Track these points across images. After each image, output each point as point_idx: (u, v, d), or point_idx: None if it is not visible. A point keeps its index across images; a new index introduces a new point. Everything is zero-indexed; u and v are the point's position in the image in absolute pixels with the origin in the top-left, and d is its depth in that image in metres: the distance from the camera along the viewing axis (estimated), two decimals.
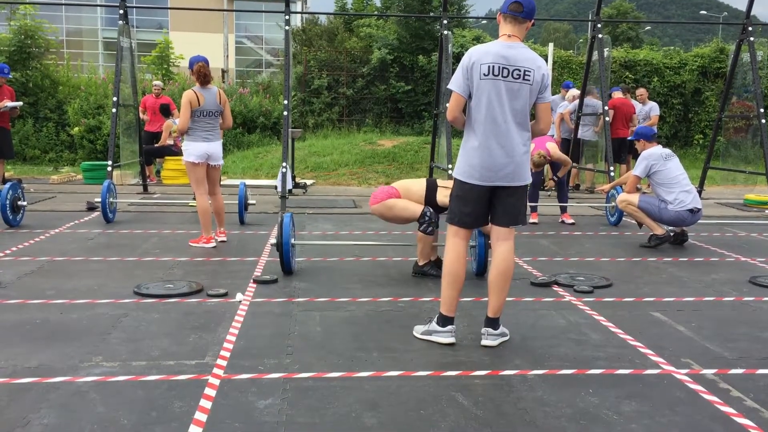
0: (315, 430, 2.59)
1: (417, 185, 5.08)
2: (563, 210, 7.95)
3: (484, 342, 3.55)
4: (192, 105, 5.94)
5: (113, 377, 3.05)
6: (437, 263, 5.08)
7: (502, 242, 3.57)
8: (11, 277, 4.86)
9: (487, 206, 3.58)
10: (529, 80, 3.42)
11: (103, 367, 3.17)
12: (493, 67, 3.39)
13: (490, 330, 3.57)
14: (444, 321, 3.58)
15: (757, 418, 2.73)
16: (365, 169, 12.34)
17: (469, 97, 3.49)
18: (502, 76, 3.40)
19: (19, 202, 7.07)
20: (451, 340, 3.56)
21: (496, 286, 3.55)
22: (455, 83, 3.49)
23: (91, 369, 3.14)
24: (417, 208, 4.93)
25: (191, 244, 6.11)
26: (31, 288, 4.57)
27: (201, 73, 6.02)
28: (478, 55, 3.43)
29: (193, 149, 6.00)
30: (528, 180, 3.57)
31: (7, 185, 7.01)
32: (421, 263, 5.14)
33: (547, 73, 3.52)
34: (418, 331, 3.70)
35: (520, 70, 3.41)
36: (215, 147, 6.12)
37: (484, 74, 3.40)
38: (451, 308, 3.58)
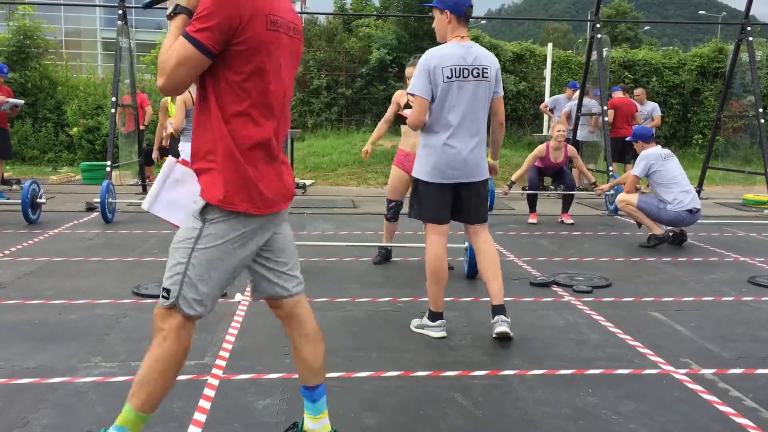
0: None
1: None
2: (564, 210, 7.93)
3: (499, 329, 3.56)
4: (186, 105, 5.93)
5: (112, 377, 3.05)
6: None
7: (479, 234, 3.72)
8: (10, 278, 4.85)
9: (451, 203, 3.68)
10: (487, 77, 3.58)
11: (102, 367, 3.17)
12: (455, 69, 3.52)
13: (503, 317, 3.60)
14: (433, 317, 3.70)
15: (756, 418, 2.73)
16: (364, 170, 12.33)
17: (431, 101, 3.57)
18: (463, 77, 3.53)
19: (38, 200, 7.17)
20: (442, 333, 3.66)
21: (490, 273, 3.66)
22: (420, 89, 3.55)
23: (90, 369, 3.14)
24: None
25: None
26: (30, 288, 4.57)
27: None
28: (438, 59, 3.54)
29: (188, 149, 5.98)
30: (487, 175, 3.70)
31: (27, 183, 7.11)
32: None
33: (499, 69, 3.67)
34: (414, 324, 3.81)
35: (478, 69, 3.55)
36: None
37: (448, 77, 3.51)
38: (438, 304, 3.69)
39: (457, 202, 3.68)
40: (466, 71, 3.53)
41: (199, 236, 2.07)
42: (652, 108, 11.11)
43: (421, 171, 3.66)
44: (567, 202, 7.92)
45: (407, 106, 5.27)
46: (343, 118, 16.92)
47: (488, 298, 4.41)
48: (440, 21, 3.64)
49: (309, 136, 15.64)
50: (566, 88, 11.73)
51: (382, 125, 5.58)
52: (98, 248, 6.03)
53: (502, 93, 3.72)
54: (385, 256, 5.58)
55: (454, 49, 3.55)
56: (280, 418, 2.66)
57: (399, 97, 5.37)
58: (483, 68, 3.56)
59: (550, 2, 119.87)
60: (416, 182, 3.71)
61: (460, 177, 3.59)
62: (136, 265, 5.36)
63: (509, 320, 3.61)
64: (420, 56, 5.35)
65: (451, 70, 3.51)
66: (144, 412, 2.11)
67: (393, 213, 5.49)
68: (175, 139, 7.29)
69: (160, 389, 2.11)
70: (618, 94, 10.91)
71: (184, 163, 2.41)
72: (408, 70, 5.23)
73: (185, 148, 6.04)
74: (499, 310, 3.62)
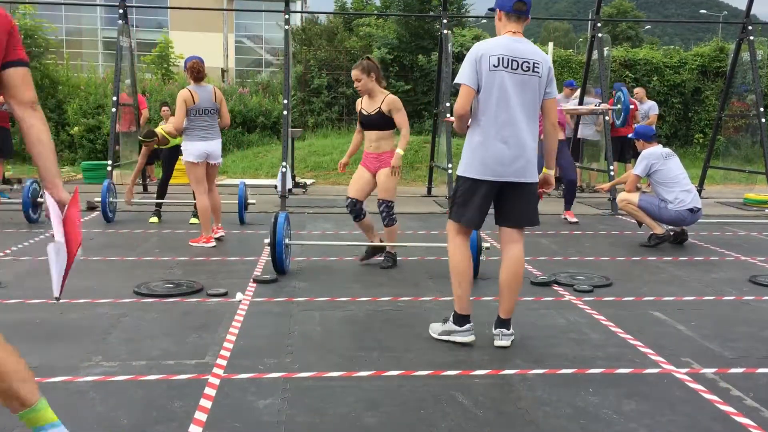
0: (315, 429, 2.59)
1: None
2: (567, 207, 7.90)
3: (498, 343, 3.52)
4: (187, 103, 5.93)
5: (113, 377, 3.05)
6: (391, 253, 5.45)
7: (514, 244, 3.54)
8: (11, 277, 4.85)
9: (490, 204, 3.52)
10: (538, 72, 3.40)
11: (102, 366, 3.17)
12: (502, 58, 3.36)
13: (504, 330, 3.55)
14: (461, 320, 3.52)
15: (757, 417, 2.72)
16: None
17: (477, 91, 3.42)
18: (511, 68, 3.36)
19: (39, 199, 7.20)
20: (471, 338, 3.51)
21: (508, 288, 3.54)
22: (465, 77, 3.38)
23: (91, 369, 3.14)
24: None
25: (191, 243, 6.12)
26: (31, 287, 4.57)
27: (194, 68, 6.03)
28: (487, 47, 3.39)
29: (192, 149, 6.00)
30: (537, 177, 3.52)
31: (28, 182, 7.15)
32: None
33: (552, 68, 3.51)
34: (435, 330, 3.63)
35: (528, 62, 3.38)
36: (214, 145, 6.12)
37: (494, 65, 3.35)
38: (465, 306, 3.53)
39: (500, 203, 3.50)
40: (515, 63, 3.35)
41: None
42: (648, 107, 11.13)
43: (465, 167, 3.46)
44: (569, 198, 7.88)
45: (360, 113, 5.25)
46: (343, 118, 16.91)
47: (489, 298, 4.42)
48: (496, 19, 3.53)
49: (309, 136, 15.64)
50: (564, 87, 11.74)
51: (356, 137, 5.51)
52: (99, 247, 6.03)
53: (555, 94, 3.53)
54: (371, 253, 5.50)
55: (503, 41, 3.41)
56: (281, 418, 2.66)
57: (358, 104, 5.35)
58: (534, 63, 3.38)
59: (551, 1, 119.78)
60: (458, 180, 3.51)
61: (507, 175, 3.39)
62: (136, 265, 5.36)
63: (511, 333, 3.56)
64: (367, 58, 5.27)
65: (498, 59, 3.34)
66: (16, 411, 2.11)
67: (354, 214, 5.33)
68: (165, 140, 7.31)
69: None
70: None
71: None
72: (353, 73, 5.19)
73: (187, 146, 6.04)
74: (503, 323, 3.56)
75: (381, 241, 5.49)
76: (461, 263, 3.53)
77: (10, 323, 3.80)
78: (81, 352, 3.34)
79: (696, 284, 5.02)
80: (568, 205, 7.91)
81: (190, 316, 4.01)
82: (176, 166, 7.65)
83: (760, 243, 6.87)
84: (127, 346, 3.47)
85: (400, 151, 5.16)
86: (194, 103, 5.95)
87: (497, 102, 3.37)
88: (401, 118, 5.19)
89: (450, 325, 3.55)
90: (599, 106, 8.61)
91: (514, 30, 3.46)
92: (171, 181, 7.71)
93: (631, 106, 10.84)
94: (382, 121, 5.18)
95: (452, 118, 3.64)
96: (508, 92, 3.36)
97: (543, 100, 3.50)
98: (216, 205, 6.35)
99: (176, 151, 7.43)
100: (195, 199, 6.39)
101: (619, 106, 8.13)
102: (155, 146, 7.45)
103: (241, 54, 31.91)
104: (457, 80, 3.43)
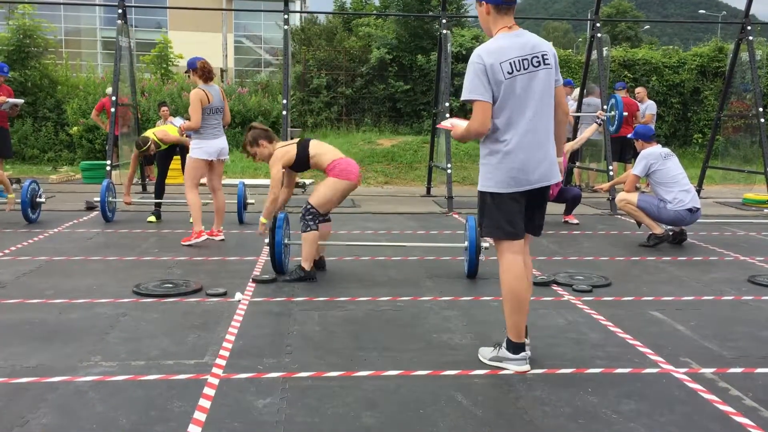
0: (314, 429, 2.59)
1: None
2: (567, 212, 7.86)
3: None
4: (203, 102, 6.00)
5: (112, 377, 3.05)
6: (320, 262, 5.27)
7: (525, 249, 3.39)
8: (10, 277, 4.85)
9: (524, 210, 3.27)
10: (549, 63, 3.15)
11: (102, 366, 3.17)
12: (514, 62, 3.09)
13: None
14: (515, 348, 3.23)
15: (756, 417, 2.73)
16: (364, 169, 12.34)
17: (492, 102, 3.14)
18: (524, 68, 3.12)
19: (38, 199, 7.21)
20: (527, 367, 3.22)
21: None
22: (477, 91, 3.09)
23: (90, 369, 3.13)
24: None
25: (183, 243, 6.09)
26: (30, 287, 4.57)
27: (205, 68, 6.11)
28: (494, 55, 3.09)
29: (207, 147, 6.08)
30: (559, 176, 3.32)
31: (27, 182, 7.15)
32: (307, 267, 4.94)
33: (556, 53, 3.29)
34: (485, 355, 3.35)
35: (538, 56, 3.15)
36: (225, 142, 6.31)
37: (509, 73, 3.08)
38: (521, 334, 3.22)
39: (527, 210, 3.25)
40: (526, 62, 3.10)
41: None
42: (646, 106, 11.13)
43: (489, 182, 3.19)
44: (571, 206, 7.84)
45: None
46: (342, 117, 16.92)
47: (488, 298, 4.42)
48: (481, 15, 3.23)
49: (309, 135, 15.63)
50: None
51: (284, 191, 5.12)
52: (98, 247, 6.03)
53: (562, 81, 3.30)
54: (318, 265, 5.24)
55: (506, 41, 3.12)
56: (280, 417, 2.66)
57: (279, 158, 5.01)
58: (543, 54, 3.13)
59: (550, 1, 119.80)
60: (484, 197, 3.24)
61: (536, 182, 3.15)
62: (136, 265, 5.35)
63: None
64: (250, 128, 5.03)
65: (510, 64, 3.07)
66: None
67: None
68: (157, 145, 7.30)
69: None
70: (621, 93, 10.92)
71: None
72: (248, 150, 5.07)
73: (201, 145, 6.07)
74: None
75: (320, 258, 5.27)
76: (513, 284, 3.19)
77: (9, 323, 3.80)
78: (80, 352, 3.34)
79: (695, 284, 5.02)
80: (569, 211, 7.86)
81: (189, 316, 4.01)
82: (171, 166, 7.67)
83: (759, 243, 6.88)
84: (126, 346, 3.47)
85: (262, 219, 5.00)
86: (209, 102, 6.03)
87: (516, 109, 3.11)
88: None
89: (503, 352, 3.26)
90: (598, 120, 8.51)
91: (509, 24, 3.21)
92: (170, 181, 7.72)
93: (624, 93, 10.84)
94: (296, 170, 5.15)
95: (447, 125, 3.41)
96: (525, 96, 3.11)
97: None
98: (221, 207, 6.37)
99: (171, 150, 7.49)
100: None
101: (613, 112, 8.11)
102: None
103: (240, 54, 31.88)
104: (468, 96, 3.13)
